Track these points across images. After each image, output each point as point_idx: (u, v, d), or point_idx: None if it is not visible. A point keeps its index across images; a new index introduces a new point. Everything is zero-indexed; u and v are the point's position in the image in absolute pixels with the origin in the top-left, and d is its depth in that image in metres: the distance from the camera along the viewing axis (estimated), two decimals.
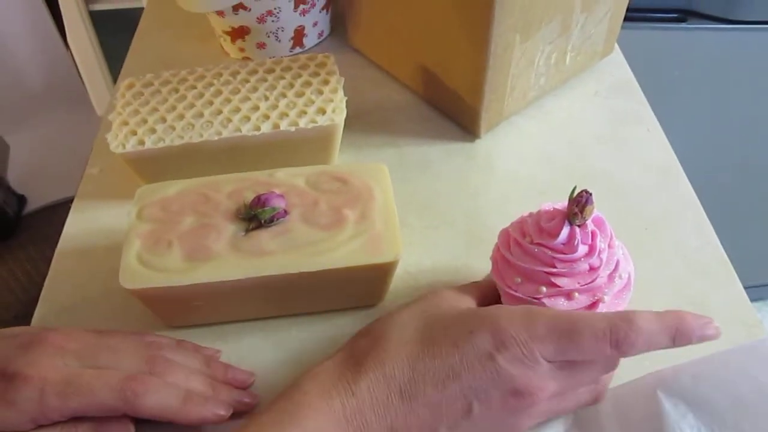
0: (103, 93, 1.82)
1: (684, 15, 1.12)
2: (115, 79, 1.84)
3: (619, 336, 0.34)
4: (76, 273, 0.52)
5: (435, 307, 0.40)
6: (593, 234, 0.40)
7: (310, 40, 0.70)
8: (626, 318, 0.35)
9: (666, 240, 0.53)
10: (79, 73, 1.09)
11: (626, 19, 0.67)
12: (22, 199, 0.90)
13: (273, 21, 0.65)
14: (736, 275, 0.51)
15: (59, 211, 0.83)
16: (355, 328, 0.42)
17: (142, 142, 0.52)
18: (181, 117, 0.54)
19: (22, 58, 0.98)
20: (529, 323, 0.35)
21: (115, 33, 1.79)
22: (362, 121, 0.63)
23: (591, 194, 0.39)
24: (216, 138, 0.52)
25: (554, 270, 0.40)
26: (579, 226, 0.40)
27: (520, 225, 0.43)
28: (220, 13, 0.65)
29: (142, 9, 1.80)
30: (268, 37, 0.67)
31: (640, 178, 0.58)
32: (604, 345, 0.34)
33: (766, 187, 1.35)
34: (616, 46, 0.70)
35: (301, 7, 0.66)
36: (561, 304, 0.40)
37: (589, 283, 0.40)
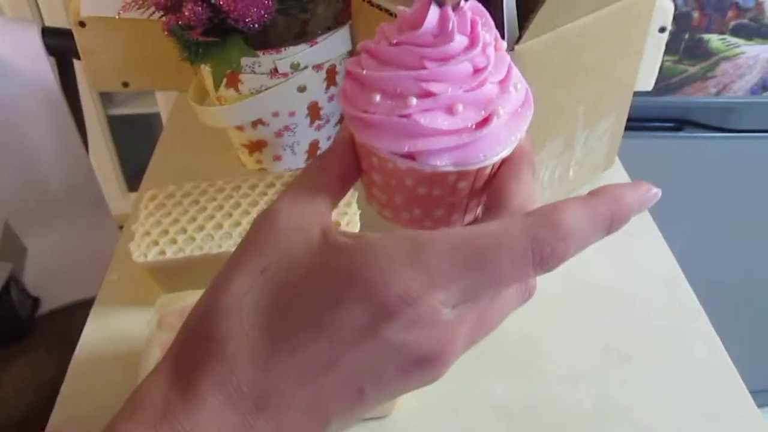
0: (116, 195, 1.86)
1: (680, 124, 1.16)
2: (128, 181, 1.89)
3: (544, 251, 0.25)
4: (94, 382, 0.53)
5: (274, 257, 0.27)
6: (473, 22, 0.29)
7: None
8: (549, 222, 0.26)
9: (674, 350, 0.54)
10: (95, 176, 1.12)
11: (625, 128, 0.71)
12: (36, 301, 0.91)
13: (290, 135, 0.69)
14: (743, 385, 0.51)
15: (72, 312, 0.84)
16: None
17: (163, 252, 0.54)
18: (202, 228, 0.56)
19: (44, 162, 1.02)
20: (419, 264, 0.25)
21: (130, 136, 1.86)
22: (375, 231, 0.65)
23: None
24: None
25: (424, 72, 0.28)
26: (453, 7, 0.29)
27: (376, 35, 0.31)
28: (240, 128, 0.69)
29: (157, 114, 1.86)
30: (285, 150, 0.70)
31: (643, 289, 0.60)
32: (526, 268, 0.25)
33: (763, 290, 1.35)
34: (617, 159, 0.74)
35: (317, 122, 0.70)
36: (440, 121, 0.28)
37: (475, 89, 0.29)
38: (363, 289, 0.25)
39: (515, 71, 0.30)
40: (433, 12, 0.28)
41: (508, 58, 0.30)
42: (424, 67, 0.28)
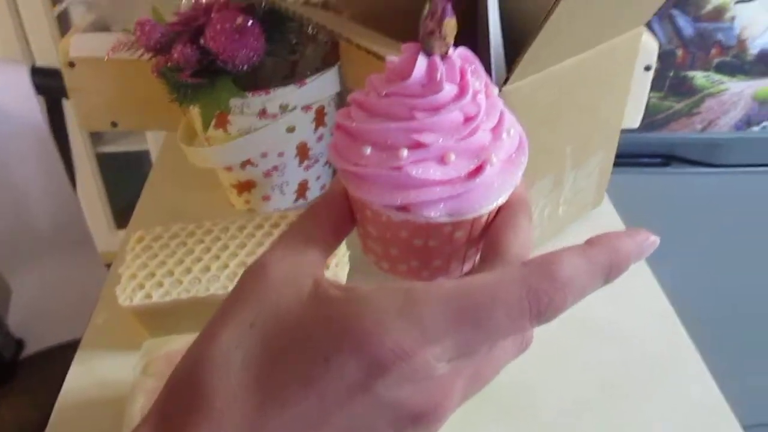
0: (104, 232, 1.85)
1: (667, 160, 1.17)
2: (116, 219, 1.88)
3: (542, 303, 0.25)
4: (78, 429, 0.52)
5: (263, 311, 0.27)
6: (462, 70, 0.29)
7: (312, 193, 0.73)
8: (547, 272, 0.25)
9: (667, 387, 0.54)
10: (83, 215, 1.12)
11: (613, 164, 0.71)
12: (20, 343, 0.90)
13: (278, 176, 0.69)
14: (736, 421, 0.51)
15: (57, 355, 0.83)
16: None
17: (149, 296, 0.53)
18: (189, 271, 0.55)
19: (32, 200, 1.02)
20: (412, 317, 0.24)
21: (120, 174, 1.85)
22: (365, 273, 0.65)
23: (449, 2, 0.28)
24: (222, 292, 0.53)
25: (414, 123, 0.28)
26: (441, 56, 0.28)
27: (365, 87, 0.31)
28: (229, 168, 0.69)
29: (146, 151, 1.86)
30: (274, 190, 0.70)
31: (635, 326, 0.59)
32: (522, 320, 0.25)
33: (754, 323, 1.36)
34: (606, 196, 0.74)
35: (306, 162, 0.70)
36: (432, 172, 0.27)
37: (467, 137, 0.28)
38: (355, 343, 0.24)
39: (508, 116, 0.30)
40: (422, 62, 0.28)
41: (500, 103, 0.30)
42: (414, 118, 0.28)
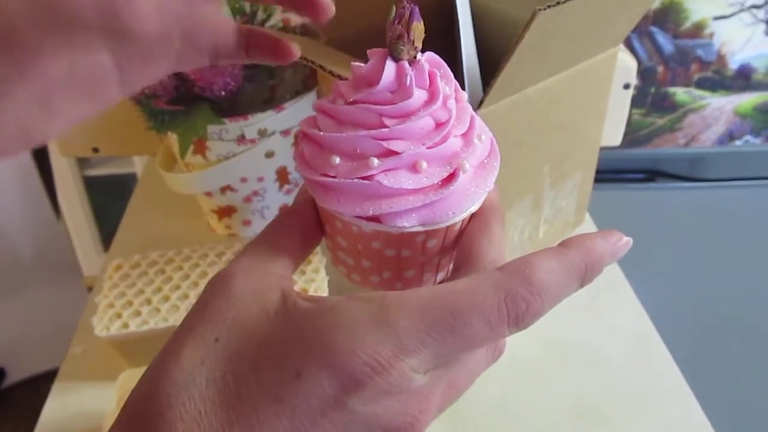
0: (92, 255, 1.84)
1: (651, 175, 1.18)
2: (104, 242, 1.87)
3: (519, 308, 0.24)
4: None
5: (227, 325, 0.25)
6: (432, 75, 0.28)
7: None
8: (522, 277, 0.24)
9: (649, 409, 0.54)
10: (70, 238, 1.11)
11: (597, 180, 0.71)
12: (1, 372, 0.89)
13: (259, 200, 0.69)
14: None
15: (38, 384, 0.82)
16: None
17: (126, 325, 0.53)
18: (167, 299, 0.55)
19: (13, 228, 1.01)
20: (387, 328, 0.23)
21: (107, 197, 1.84)
22: (342, 285, 0.65)
23: (416, 6, 0.27)
24: None
25: (384, 131, 0.27)
26: (409, 61, 0.27)
27: (332, 94, 0.30)
28: (208, 194, 0.69)
29: (133, 174, 1.86)
30: (254, 215, 0.70)
31: (616, 347, 0.59)
32: (501, 327, 0.24)
33: (739, 338, 1.35)
34: (588, 215, 0.74)
35: (286, 186, 0.70)
36: (404, 181, 0.27)
37: (438, 144, 0.27)
38: (327, 357, 0.23)
39: (478, 122, 0.29)
40: (390, 67, 0.27)
41: (470, 109, 0.29)
42: (383, 126, 0.27)
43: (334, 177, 0.27)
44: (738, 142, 1.14)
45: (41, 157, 1.03)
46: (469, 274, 0.27)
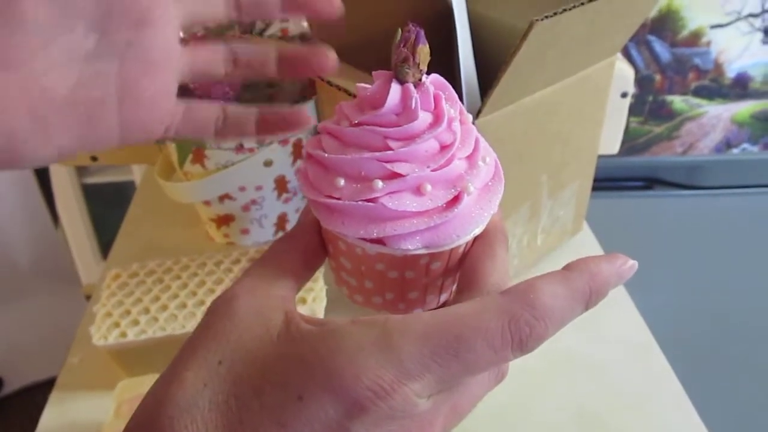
0: (90, 263, 1.84)
1: (650, 183, 1.18)
2: (102, 251, 1.87)
3: (523, 333, 0.24)
4: None
5: (231, 348, 0.25)
6: (437, 97, 0.28)
7: (292, 226, 0.73)
8: (526, 301, 0.24)
9: (649, 417, 0.54)
10: (68, 247, 1.11)
11: (596, 188, 0.71)
12: (0, 381, 0.89)
13: (257, 209, 0.69)
14: None
15: (36, 394, 0.82)
16: None
17: (124, 334, 0.53)
18: (165, 308, 0.55)
19: (11, 236, 1.01)
20: (390, 352, 0.23)
21: (106, 205, 1.84)
22: (342, 310, 0.65)
23: (421, 29, 0.27)
24: None
25: (389, 153, 0.27)
26: (415, 84, 0.28)
27: (335, 115, 0.30)
28: (207, 203, 0.69)
29: (132, 182, 1.86)
30: (252, 223, 0.70)
31: (615, 356, 0.59)
32: (504, 351, 0.24)
33: (738, 345, 1.35)
34: (585, 223, 0.74)
35: (284, 195, 0.70)
36: (408, 203, 0.27)
37: (443, 166, 0.27)
38: (330, 381, 0.23)
39: (483, 144, 0.29)
40: (395, 90, 0.27)
41: (474, 130, 0.29)
42: (388, 148, 0.27)
43: (338, 199, 0.27)
44: (735, 150, 1.14)
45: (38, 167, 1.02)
46: (473, 297, 0.27)
